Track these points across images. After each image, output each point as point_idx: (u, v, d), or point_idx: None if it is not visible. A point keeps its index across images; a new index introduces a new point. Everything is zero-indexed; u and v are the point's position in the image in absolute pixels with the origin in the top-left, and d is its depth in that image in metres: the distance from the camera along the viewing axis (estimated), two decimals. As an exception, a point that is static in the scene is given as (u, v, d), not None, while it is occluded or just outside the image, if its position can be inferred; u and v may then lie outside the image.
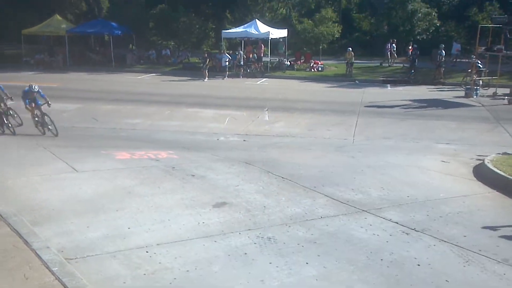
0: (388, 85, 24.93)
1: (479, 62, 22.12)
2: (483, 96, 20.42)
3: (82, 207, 7.11)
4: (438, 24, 36.11)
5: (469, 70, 21.79)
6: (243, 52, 30.00)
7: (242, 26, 31.44)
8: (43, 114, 13.02)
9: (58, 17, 34.57)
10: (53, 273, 4.88)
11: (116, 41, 34.05)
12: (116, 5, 43.14)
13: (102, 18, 38.52)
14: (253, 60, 30.16)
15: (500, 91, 20.66)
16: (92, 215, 6.79)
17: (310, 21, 33.15)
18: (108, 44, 33.94)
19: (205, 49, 35.45)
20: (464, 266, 5.44)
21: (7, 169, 9.04)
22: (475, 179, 8.90)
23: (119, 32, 34.01)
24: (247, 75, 27.92)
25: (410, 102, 18.75)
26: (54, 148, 10.75)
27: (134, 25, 35.00)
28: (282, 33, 31.48)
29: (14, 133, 13.17)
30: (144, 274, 5.16)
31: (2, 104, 13.43)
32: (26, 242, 5.59)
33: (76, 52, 33.81)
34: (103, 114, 13.74)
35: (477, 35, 21.67)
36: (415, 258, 5.60)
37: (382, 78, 27.14)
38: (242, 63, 28.66)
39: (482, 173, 9.03)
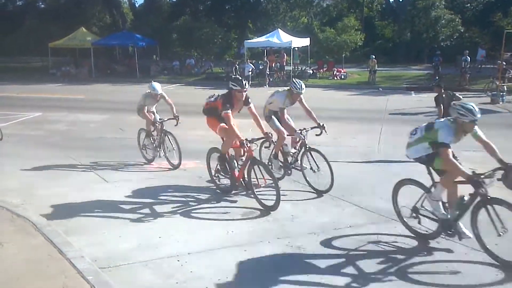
0: (412, 92, 24.75)
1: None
2: (510, 102, 20.10)
3: (113, 217, 7.25)
4: (462, 30, 35.81)
5: (497, 76, 21.49)
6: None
7: (265, 36, 31.65)
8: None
9: (84, 29, 35.35)
10: (88, 282, 4.98)
11: (140, 53, 34.63)
12: (140, 17, 43.89)
13: (126, 30, 39.23)
14: (276, 69, 30.31)
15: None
16: (123, 225, 6.93)
17: (332, 30, 33.20)
18: (132, 55, 34.51)
19: (227, 58, 35.77)
20: (497, 275, 5.38)
21: (39, 179, 9.26)
22: (504, 186, 8.75)
23: (143, 43, 34.62)
24: (269, 84, 28.07)
25: (435, 109, 18.50)
26: (84, 159, 10.96)
27: (157, 36, 35.54)
28: (305, 42, 31.54)
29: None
30: (177, 283, 5.24)
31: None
32: (60, 252, 5.72)
33: (101, 64, 34.50)
34: (129, 125, 13.92)
35: (502, 41, 21.40)
36: (447, 267, 5.56)
37: (405, 85, 26.98)
38: (268, 72, 28.85)
39: (512, 181, 8.87)
